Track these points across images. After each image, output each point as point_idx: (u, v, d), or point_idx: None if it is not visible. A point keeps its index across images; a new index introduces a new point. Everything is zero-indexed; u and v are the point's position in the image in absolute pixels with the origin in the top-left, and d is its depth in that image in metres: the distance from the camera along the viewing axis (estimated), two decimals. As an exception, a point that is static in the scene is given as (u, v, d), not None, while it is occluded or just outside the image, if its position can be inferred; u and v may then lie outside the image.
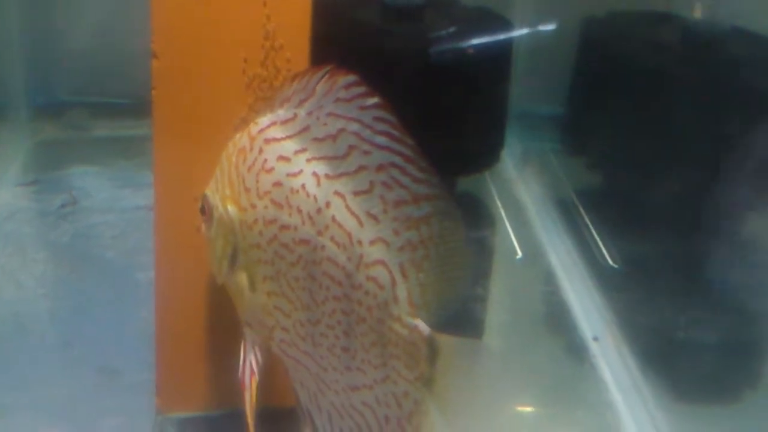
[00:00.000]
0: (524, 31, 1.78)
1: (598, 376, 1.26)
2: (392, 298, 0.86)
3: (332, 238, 0.88)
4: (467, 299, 1.46)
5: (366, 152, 0.87)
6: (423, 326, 0.86)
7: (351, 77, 0.87)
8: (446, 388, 0.86)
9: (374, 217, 0.87)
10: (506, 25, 1.64)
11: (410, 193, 0.86)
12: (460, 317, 1.43)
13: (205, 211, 0.99)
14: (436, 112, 1.51)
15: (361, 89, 0.87)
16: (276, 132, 0.92)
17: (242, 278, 0.97)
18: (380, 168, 0.86)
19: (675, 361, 1.28)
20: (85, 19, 1.96)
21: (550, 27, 1.79)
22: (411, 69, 1.49)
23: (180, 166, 1.10)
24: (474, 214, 1.67)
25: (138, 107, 1.13)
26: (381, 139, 0.86)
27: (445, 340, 0.86)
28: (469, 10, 1.65)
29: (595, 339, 1.34)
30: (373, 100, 0.86)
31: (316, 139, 0.89)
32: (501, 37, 1.61)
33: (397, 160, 0.86)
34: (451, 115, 1.54)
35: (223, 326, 1.14)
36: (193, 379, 1.18)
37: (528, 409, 1.31)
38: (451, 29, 1.54)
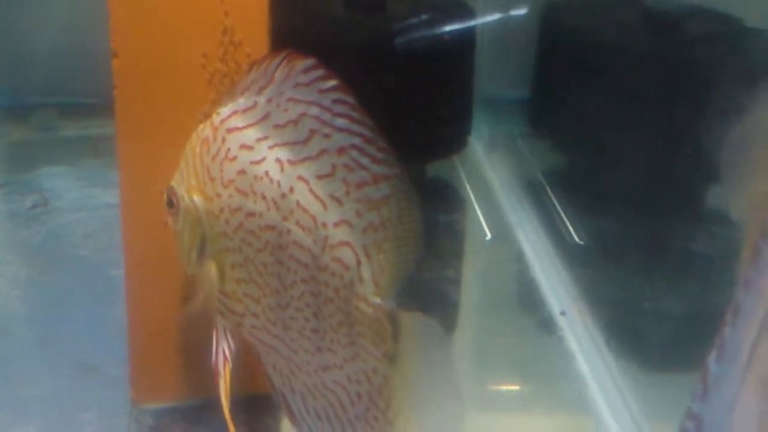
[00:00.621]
0: (491, 17, 1.81)
1: (565, 348, 1.30)
2: (357, 278, 0.88)
3: (297, 223, 0.89)
4: (440, 281, 1.49)
5: (327, 135, 0.88)
6: (387, 304, 0.88)
7: (309, 61, 0.88)
8: (409, 362, 0.88)
9: (337, 200, 0.88)
10: (469, 12, 1.65)
11: (371, 174, 0.87)
12: (435, 299, 1.47)
13: (172, 203, 0.99)
14: (404, 102, 1.53)
15: (320, 72, 0.88)
16: (237, 121, 0.93)
17: (211, 268, 0.98)
18: (341, 150, 0.88)
19: (639, 331, 1.32)
20: (50, 19, 1.96)
21: (520, 12, 1.81)
22: (376, 60, 1.51)
23: (144, 162, 1.11)
24: (444, 198, 1.70)
25: (106, 106, 1.14)
26: (341, 122, 0.87)
27: (406, 317, 0.88)
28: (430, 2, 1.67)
29: (563, 313, 1.37)
30: (332, 82, 0.87)
31: (277, 126, 0.90)
32: (464, 24, 1.63)
33: (357, 141, 0.87)
34: (417, 104, 1.56)
35: (194, 318, 1.16)
36: (167, 371, 1.20)
37: (503, 387, 1.35)
38: (415, 19, 1.56)
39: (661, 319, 1.29)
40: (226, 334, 1.00)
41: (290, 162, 0.90)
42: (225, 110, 0.94)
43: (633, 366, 1.27)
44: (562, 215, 1.58)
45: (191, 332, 1.16)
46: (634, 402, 1.22)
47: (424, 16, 1.57)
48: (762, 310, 0.68)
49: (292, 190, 0.89)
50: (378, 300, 0.88)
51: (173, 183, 0.99)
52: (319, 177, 0.88)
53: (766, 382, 0.65)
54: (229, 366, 0.99)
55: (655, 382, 1.26)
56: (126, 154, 1.12)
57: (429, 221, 1.59)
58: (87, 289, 1.47)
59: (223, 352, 1.00)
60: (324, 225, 0.88)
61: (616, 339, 1.29)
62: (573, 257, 1.47)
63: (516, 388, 1.36)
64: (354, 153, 0.87)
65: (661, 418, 1.20)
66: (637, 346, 1.31)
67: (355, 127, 0.87)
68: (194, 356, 1.16)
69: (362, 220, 0.88)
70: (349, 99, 0.88)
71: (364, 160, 0.87)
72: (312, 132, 0.88)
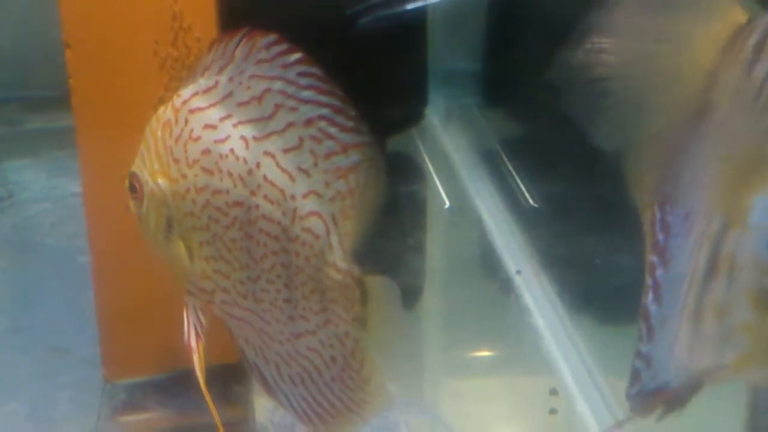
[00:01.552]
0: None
1: (521, 304, 1.35)
2: (327, 246, 0.91)
3: (265, 197, 0.92)
4: (404, 250, 1.53)
5: (293, 109, 0.89)
6: (355, 269, 0.91)
7: (271, 37, 0.89)
8: (378, 324, 0.91)
9: (305, 171, 0.90)
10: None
11: (339, 143, 0.89)
12: (401, 267, 1.50)
13: (135, 188, 1.00)
14: (359, 78, 1.55)
15: (282, 47, 0.89)
16: (199, 101, 0.94)
17: (179, 248, 1.00)
18: (309, 122, 0.89)
19: (591, 286, 1.37)
20: (9, 12, 1.95)
21: None
22: (330, 38, 1.53)
23: (103, 149, 1.13)
24: (404, 170, 1.73)
25: (68, 98, 1.17)
26: (307, 94, 0.89)
27: (372, 281, 0.91)
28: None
29: (518, 272, 1.41)
30: (296, 56, 0.88)
31: (240, 104, 0.91)
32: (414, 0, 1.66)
33: (325, 111, 0.89)
34: (373, 80, 1.59)
35: (160, 296, 1.19)
36: (136, 348, 1.24)
37: (471, 353, 1.40)
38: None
39: (612, 274, 1.35)
40: (196, 312, 1.02)
41: (255, 138, 0.91)
42: (186, 91, 0.94)
43: (586, 319, 1.33)
44: (518, 181, 1.63)
45: (158, 308, 1.19)
46: (587, 354, 1.28)
47: (376, -2, 1.60)
48: (704, 249, 0.73)
49: (258, 165, 0.91)
50: (346, 265, 0.91)
51: (134, 168, 1.00)
52: (286, 150, 0.90)
53: (695, 318, 0.69)
54: (201, 342, 1.02)
55: (607, 333, 1.32)
56: (85, 142, 1.14)
57: (390, 193, 1.63)
58: (56, 276, 1.50)
59: (194, 329, 1.02)
60: (293, 197, 0.91)
61: (569, 294, 1.34)
62: (528, 220, 1.52)
63: (484, 353, 1.41)
64: (322, 124, 0.89)
65: (613, 367, 1.26)
66: (589, 300, 1.37)
67: (323, 98, 0.89)
68: (162, 332, 1.20)
69: (330, 189, 0.90)
70: (315, 70, 0.89)
71: (333, 130, 0.89)
72: (277, 106, 0.90)
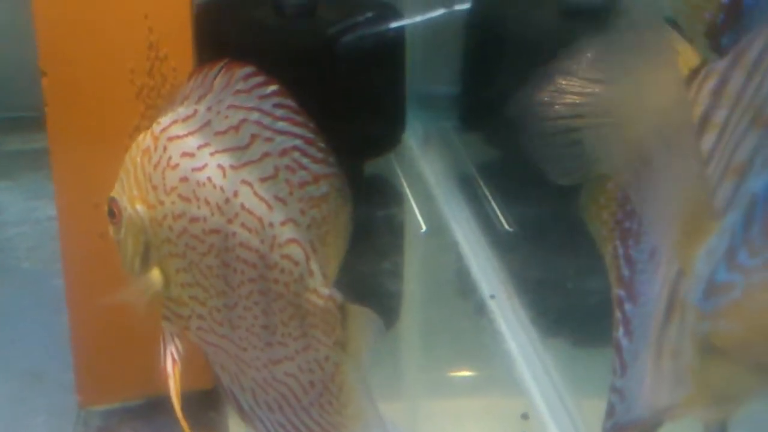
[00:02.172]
0: (419, 17, 1.85)
1: (495, 329, 1.37)
2: (308, 272, 0.92)
3: (243, 225, 0.93)
4: (380, 274, 1.55)
5: (268, 139, 0.91)
6: (336, 294, 0.92)
7: (248, 68, 0.91)
8: (358, 348, 0.93)
9: (282, 200, 0.92)
10: (397, 14, 1.70)
11: (311, 174, 0.92)
12: (379, 291, 1.52)
13: (114, 214, 1.01)
14: (339, 103, 1.57)
15: (260, 79, 0.91)
16: (178, 129, 0.95)
17: (156, 274, 1.01)
18: (283, 152, 0.91)
19: (563, 309, 1.39)
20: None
21: (465, 5, 1.86)
22: (309, 64, 1.55)
23: (78, 176, 1.14)
24: (382, 193, 1.75)
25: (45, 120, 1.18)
26: (282, 125, 0.91)
27: (354, 308, 0.92)
28: (360, 2, 1.71)
29: (492, 297, 1.43)
30: (272, 87, 0.91)
31: (218, 133, 0.93)
32: (393, 26, 1.68)
33: (299, 143, 0.91)
34: (352, 105, 1.61)
35: (134, 322, 1.19)
36: (111, 374, 1.24)
37: (448, 373, 1.41)
38: (345, 22, 1.60)
39: (584, 297, 1.37)
40: (173, 337, 1.03)
41: (232, 167, 0.93)
42: (165, 119, 0.96)
43: (557, 342, 1.35)
44: (493, 204, 1.65)
45: (133, 334, 1.20)
46: (558, 377, 1.29)
47: (353, 20, 1.61)
48: (665, 290, 0.74)
49: (236, 194, 0.93)
50: (327, 291, 0.93)
51: (114, 194, 1.01)
52: (263, 179, 0.92)
53: (656, 357, 0.70)
54: (178, 367, 1.03)
55: (578, 357, 1.34)
56: (60, 167, 1.15)
57: (368, 217, 1.64)
58: (32, 300, 1.49)
59: (171, 354, 1.03)
60: (271, 225, 0.92)
61: (542, 318, 1.36)
62: (502, 244, 1.54)
63: (459, 375, 1.43)
64: (296, 154, 0.91)
65: (583, 391, 1.29)
66: (562, 324, 1.39)
67: (296, 129, 0.91)
68: (136, 358, 1.20)
69: (306, 218, 0.93)
70: (289, 102, 0.91)
71: (305, 161, 0.91)
72: (253, 137, 0.92)
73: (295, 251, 0.92)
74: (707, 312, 0.60)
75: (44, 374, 1.33)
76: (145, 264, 1.00)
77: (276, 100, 0.91)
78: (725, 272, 0.58)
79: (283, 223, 0.92)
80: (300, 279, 0.92)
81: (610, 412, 0.84)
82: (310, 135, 0.91)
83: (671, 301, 0.69)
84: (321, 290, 0.93)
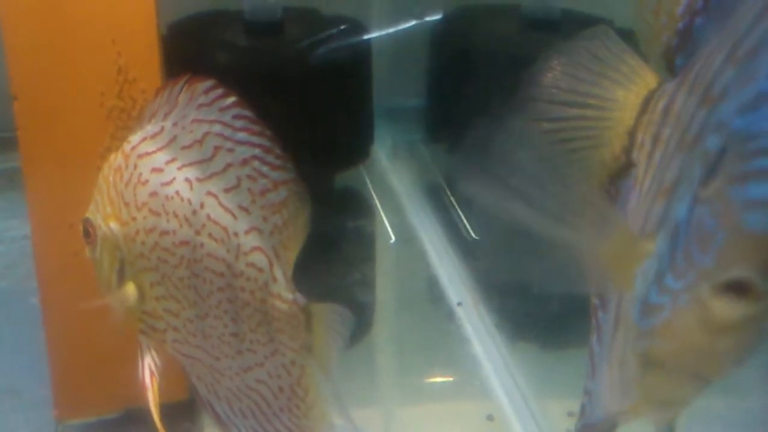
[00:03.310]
0: (385, 32, 1.89)
1: (462, 335, 1.40)
2: (272, 278, 0.95)
3: (210, 235, 0.96)
4: (351, 285, 1.58)
5: (230, 150, 0.94)
6: (299, 298, 0.95)
7: (208, 82, 0.95)
8: (324, 349, 0.96)
9: (245, 209, 0.95)
10: (363, 29, 1.74)
11: (271, 181, 0.95)
12: (350, 301, 1.54)
13: (89, 233, 1.04)
14: (309, 118, 1.60)
15: (219, 91, 0.94)
16: (147, 146, 0.98)
17: (131, 289, 1.03)
18: (244, 162, 0.95)
19: (527, 314, 1.42)
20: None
21: (436, 17, 1.89)
22: (279, 81, 1.58)
23: (51, 197, 1.17)
24: (352, 205, 1.78)
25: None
26: (242, 135, 0.94)
27: (318, 307, 0.95)
28: (327, 19, 1.75)
29: (459, 304, 1.46)
30: (231, 99, 0.94)
31: (184, 147, 0.96)
32: (359, 41, 1.72)
33: (258, 152, 0.94)
34: (322, 119, 1.64)
35: (109, 336, 1.22)
36: (88, 388, 1.26)
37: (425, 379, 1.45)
38: (312, 39, 1.64)
39: (549, 302, 1.40)
40: (150, 350, 1.05)
41: (198, 179, 0.96)
42: (135, 138, 0.99)
43: (524, 346, 1.38)
44: (460, 214, 1.68)
45: (108, 349, 1.22)
46: (523, 379, 1.33)
47: (320, 36, 1.65)
48: (613, 304, 0.78)
49: (202, 205, 0.96)
50: (291, 295, 0.95)
51: (88, 214, 1.04)
52: (227, 190, 0.95)
53: (622, 364, 0.73)
54: (156, 380, 1.05)
55: (544, 359, 1.37)
56: (33, 189, 1.18)
57: (339, 228, 1.67)
58: (8, 318, 1.51)
59: (149, 368, 1.05)
60: (236, 234, 0.95)
61: (508, 323, 1.39)
62: (468, 252, 1.57)
63: (432, 380, 1.46)
64: (255, 163, 0.94)
65: (548, 392, 1.33)
66: (527, 328, 1.42)
67: (255, 139, 0.94)
68: (112, 372, 1.22)
69: (268, 224, 0.95)
70: (247, 113, 0.94)
71: (265, 169, 0.95)
72: (216, 149, 0.95)
73: (259, 259, 0.95)
74: (643, 330, 0.64)
75: (21, 390, 1.34)
76: (121, 280, 1.03)
77: (235, 111, 0.95)
78: (656, 294, 0.62)
79: (247, 232, 0.95)
80: (264, 286, 0.95)
81: (582, 412, 0.88)
82: (267, 143, 0.95)
83: (617, 316, 0.73)
84: (285, 295, 0.95)
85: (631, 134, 0.79)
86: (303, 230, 0.98)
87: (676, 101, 0.73)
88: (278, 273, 0.95)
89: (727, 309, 0.56)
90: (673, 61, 0.79)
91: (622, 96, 0.83)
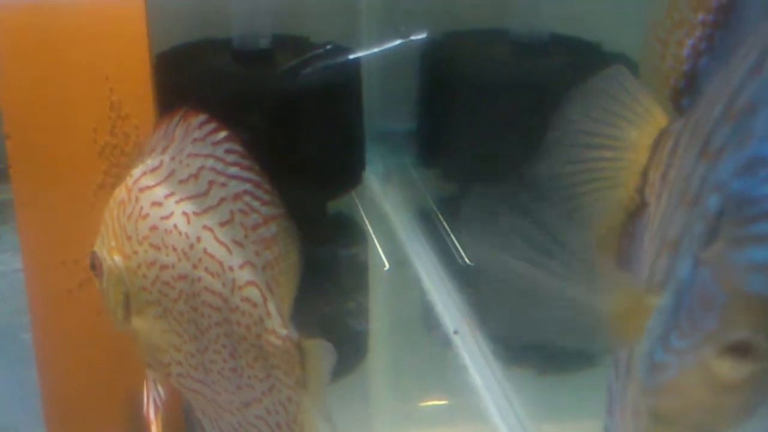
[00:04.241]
0: (374, 56, 1.89)
1: (460, 363, 1.40)
2: (266, 314, 0.95)
3: (206, 269, 0.96)
4: (345, 314, 1.57)
5: (223, 184, 0.95)
6: (293, 334, 0.95)
7: (201, 116, 0.96)
8: (318, 385, 0.95)
9: (239, 244, 0.95)
10: (351, 55, 1.74)
11: (262, 216, 0.96)
12: (345, 330, 1.54)
13: (95, 266, 1.05)
14: (300, 145, 1.60)
15: (212, 126, 0.96)
16: (148, 180, 0.99)
17: (137, 322, 1.04)
18: (236, 197, 0.95)
19: (524, 341, 1.42)
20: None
21: (421, 36, 1.90)
22: (270, 108, 1.58)
23: (44, 234, 1.17)
24: (345, 232, 1.77)
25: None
26: (233, 170, 0.95)
27: (309, 343, 0.95)
28: (315, 46, 1.75)
29: (456, 332, 1.46)
30: (223, 134, 0.95)
31: (181, 181, 0.97)
32: (349, 66, 1.72)
33: (249, 186, 0.95)
34: (313, 146, 1.64)
35: (104, 373, 1.21)
36: (81, 425, 1.25)
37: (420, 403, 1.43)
38: (302, 66, 1.64)
39: (545, 326, 1.40)
40: (156, 385, 1.05)
41: (195, 213, 0.97)
42: (136, 172, 1.00)
43: (521, 372, 1.38)
44: (453, 239, 1.68)
45: (103, 386, 1.21)
46: (520, 405, 1.33)
47: (310, 63, 1.65)
48: (625, 352, 0.78)
49: (199, 239, 0.96)
50: (284, 331, 0.95)
51: (95, 248, 1.05)
52: (222, 224, 0.96)
53: (635, 414, 0.72)
54: (160, 413, 1.05)
55: (541, 385, 1.37)
56: (26, 226, 1.18)
57: (332, 256, 1.67)
58: (0, 354, 1.49)
59: (154, 401, 1.05)
60: (230, 268, 0.95)
61: (505, 349, 1.39)
62: (463, 278, 1.57)
63: (427, 405, 1.45)
64: (247, 198, 0.95)
65: (545, 417, 1.32)
66: (524, 354, 1.42)
67: (246, 174, 0.95)
68: (107, 409, 1.22)
69: (261, 259, 0.96)
70: (238, 147, 0.96)
71: (256, 204, 0.95)
72: (210, 183, 0.96)
73: (254, 293, 0.95)
74: (650, 388, 0.65)
75: (14, 429, 1.33)
76: (127, 313, 1.03)
77: (227, 145, 0.96)
78: (662, 352, 0.63)
79: (241, 266, 0.96)
80: (259, 321, 0.95)
81: None
82: (257, 178, 0.96)
83: (629, 366, 0.73)
84: (279, 331, 0.96)
85: (644, 174, 0.80)
86: (295, 267, 0.98)
87: (680, 144, 0.74)
88: (272, 308, 0.96)
89: (731, 370, 0.58)
90: (681, 102, 0.80)
91: (635, 136, 0.85)
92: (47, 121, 1.13)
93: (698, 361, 0.59)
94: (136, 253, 1.00)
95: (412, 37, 1.89)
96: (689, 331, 0.60)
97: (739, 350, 0.57)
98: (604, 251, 0.91)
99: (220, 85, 1.58)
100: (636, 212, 0.83)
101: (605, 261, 0.87)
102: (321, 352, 0.94)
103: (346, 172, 1.76)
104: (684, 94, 0.80)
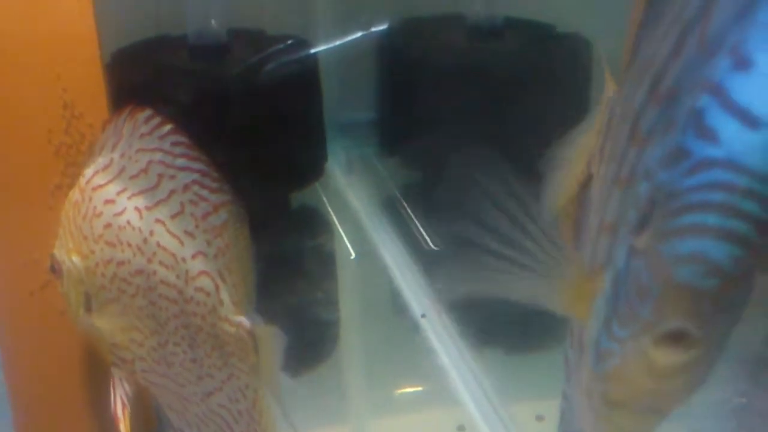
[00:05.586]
0: (331, 48, 1.90)
1: (429, 346, 1.41)
2: (219, 302, 0.96)
3: (161, 262, 0.96)
4: (313, 304, 1.58)
5: (172, 177, 0.96)
6: (245, 320, 0.96)
7: (147, 112, 0.97)
8: (271, 370, 0.96)
9: (190, 234, 0.96)
10: (309, 46, 1.75)
11: (211, 204, 0.96)
12: (315, 320, 1.54)
13: (55, 269, 1.05)
14: (261, 140, 1.61)
15: (157, 120, 0.96)
16: (100, 179, 1.00)
17: (98, 321, 1.04)
18: (186, 188, 0.96)
19: (491, 320, 1.43)
20: None
21: (382, 27, 1.90)
22: (228, 103, 1.58)
23: (4, 237, 1.16)
24: (310, 224, 1.78)
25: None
26: (181, 161, 0.96)
27: (261, 329, 0.96)
28: (272, 39, 1.75)
29: (423, 316, 1.47)
30: (168, 127, 0.96)
31: (132, 177, 0.97)
32: (306, 58, 1.72)
33: (197, 177, 0.96)
34: (274, 140, 1.64)
35: (72, 374, 1.21)
36: (52, 427, 1.25)
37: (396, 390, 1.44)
38: (259, 60, 1.64)
39: (511, 306, 1.41)
40: (122, 382, 1.06)
41: (147, 208, 0.97)
42: (88, 171, 1.01)
43: (490, 353, 1.39)
44: (418, 225, 1.69)
45: (71, 387, 1.21)
46: (490, 385, 1.34)
47: (266, 57, 1.65)
48: (576, 331, 0.80)
49: (152, 233, 0.96)
50: (237, 318, 0.96)
51: (55, 251, 1.05)
52: (173, 216, 0.96)
53: (588, 394, 0.74)
54: (127, 410, 1.06)
55: (510, 364, 1.38)
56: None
57: (298, 248, 1.67)
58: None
59: (121, 399, 1.06)
60: (183, 259, 0.96)
61: (472, 330, 1.40)
62: (429, 263, 1.58)
63: (402, 391, 1.46)
64: (195, 188, 0.96)
65: (515, 395, 1.34)
66: (491, 335, 1.43)
67: (193, 164, 0.96)
68: (76, 410, 1.22)
69: (212, 248, 0.96)
70: (184, 139, 0.97)
71: (204, 192, 0.96)
72: (160, 176, 0.96)
73: (206, 283, 0.96)
74: (598, 375, 0.68)
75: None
76: (88, 312, 1.04)
77: (173, 138, 0.97)
78: (606, 340, 0.66)
79: (193, 257, 0.96)
80: (213, 310, 0.96)
81: (562, 417, 0.90)
82: (204, 168, 0.97)
83: (581, 343, 0.75)
84: (231, 318, 0.96)
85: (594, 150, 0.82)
86: (247, 251, 0.99)
87: (614, 117, 0.75)
88: (225, 296, 0.96)
89: (667, 357, 0.61)
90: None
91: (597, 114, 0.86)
92: (1, 123, 1.13)
93: (638, 350, 0.62)
94: (93, 252, 1.00)
95: (373, 29, 1.90)
96: (628, 320, 0.63)
97: (674, 338, 0.59)
98: (564, 223, 0.93)
99: (177, 82, 1.58)
100: (585, 183, 0.84)
101: (564, 235, 0.88)
102: (271, 338, 0.95)
103: (309, 165, 1.77)
104: (627, 67, 0.82)
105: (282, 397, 0.96)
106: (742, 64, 0.54)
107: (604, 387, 0.68)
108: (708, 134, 0.55)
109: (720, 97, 0.55)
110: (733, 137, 0.54)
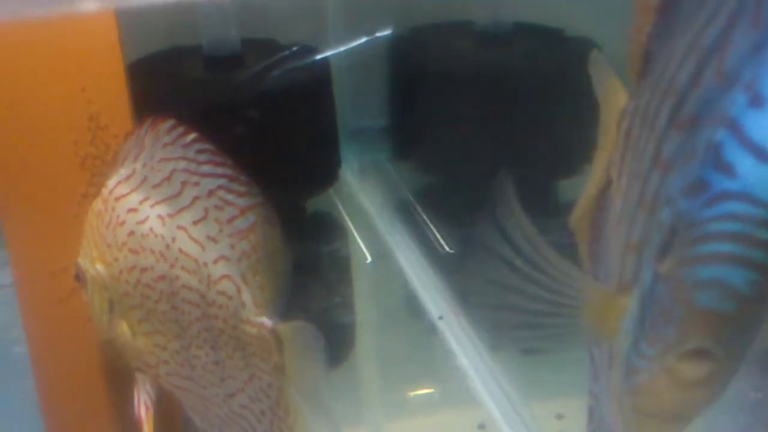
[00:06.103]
0: (343, 55, 1.92)
1: (447, 348, 1.43)
2: (240, 305, 0.98)
3: (183, 268, 0.99)
4: (330, 308, 1.59)
5: (196, 183, 0.98)
6: (266, 321, 0.97)
7: (169, 122, 0.99)
8: (296, 368, 0.97)
9: (213, 239, 0.98)
10: (320, 55, 1.77)
11: (237, 208, 0.98)
12: (332, 324, 1.56)
13: (79, 277, 1.07)
14: (273, 148, 1.63)
15: (180, 130, 0.99)
16: (122, 189, 1.02)
17: (123, 327, 1.07)
18: (210, 193, 0.98)
19: (506, 323, 1.44)
20: None
21: (386, 32, 1.92)
22: (243, 112, 1.60)
23: (32, 247, 1.18)
24: (325, 229, 1.80)
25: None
26: (206, 168, 0.98)
27: (284, 327, 0.97)
28: (284, 48, 1.78)
29: (440, 318, 1.49)
30: (192, 136, 0.98)
31: (155, 186, 1.00)
32: (318, 66, 1.75)
33: (223, 182, 0.98)
34: (288, 147, 1.66)
35: (101, 380, 1.23)
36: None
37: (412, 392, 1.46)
38: (272, 68, 1.66)
39: (526, 306, 1.43)
40: (145, 386, 1.08)
41: (169, 215, 0.99)
42: (111, 182, 1.03)
43: (507, 353, 1.41)
44: (433, 229, 1.71)
45: (101, 393, 1.23)
46: (509, 385, 1.36)
47: (279, 65, 1.68)
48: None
49: (174, 239, 0.99)
50: (259, 319, 0.97)
51: (78, 260, 1.07)
52: (195, 222, 0.98)
53: (620, 403, 0.77)
54: (150, 413, 1.08)
55: (527, 364, 1.40)
56: (14, 240, 1.18)
57: (314, 253, 1.69)
58: (-5, 369, 1.51)
59: (144, 402, 1.08)
60: (205, 264, 0.98)
61: (489, 331, 1.42)
62: (444, 265, 1.60)
63: (418, 393, 1.48)
64: (221, 193, 0.98)
65: (534, 395, 1.36)
66: (509, 335, 1.44)
67: (219, 170, 0.98)
68: (106, 415, 1.24)
69: (236, 251, 0.98)
70: (209, 147, 0.99)
71: (230, 197, 0.98)
72: (183, 184, 0.98)
73: (228, 286, 0.98)
74: (629, 389, 0.72)
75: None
76: (112, 319, 1.06)
77: (197, 146, 0.99)
78: (635, 358, 0.71)
79: (215, 261, 0.98)
80: (235, 312, 0.98)
81: (590, 415, 0.93)
82: (231, 172, 0.98)
83: (610, 355, 0.78)
84: (253, 319, 0.98)
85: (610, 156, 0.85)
86: (276, 252, 1.00)
87: (634, 127, 0.77)
88: (246, 298, 0.98)
89: (691, 371, 0.66)
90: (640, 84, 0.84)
91: (606, 117, 0.89)
92: (28, 135, 1.15)
93: (664, 367, 0.67)
94: (116, 259, 1.02)
95: (378, 34, 1.92)
96: (654, 340, 0.68)
97: (697, 355, 0.65)
98: (580, 229, 0.95)
99: (193, 91, 1.61)
100: (605, 188, 0.87)
101: (580, 236, 0.91)
102: (297, 335, 0.96)
103: (323, 171, 1.79)
104: (642, 76, 0.84)
105: (321, 391, 0.97)
106: (757, 101, 0.58)
107: (634, 399, 0.72)
108: (725, 168, 0.60)
109: (736, 133, 0.59)
110: (748, 172, 0.59)
